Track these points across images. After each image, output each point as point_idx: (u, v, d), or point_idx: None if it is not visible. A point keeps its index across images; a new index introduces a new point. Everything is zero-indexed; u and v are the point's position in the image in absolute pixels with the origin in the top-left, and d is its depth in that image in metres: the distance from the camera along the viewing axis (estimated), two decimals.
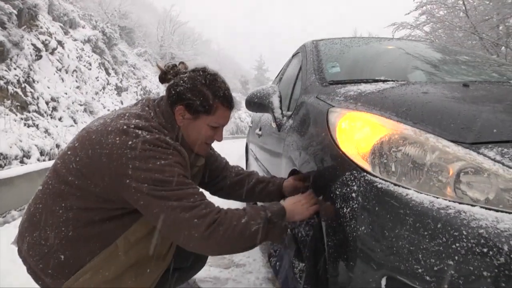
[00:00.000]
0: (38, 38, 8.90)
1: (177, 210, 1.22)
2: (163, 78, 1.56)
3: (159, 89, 19.00)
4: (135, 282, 1.40)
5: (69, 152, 1.38)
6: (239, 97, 40.63)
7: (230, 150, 5.87)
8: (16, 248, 1.45)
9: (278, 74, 4.18)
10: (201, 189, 1.36)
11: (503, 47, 9.97)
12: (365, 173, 1.10)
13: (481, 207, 0.91)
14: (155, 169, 1.24)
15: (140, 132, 1.30)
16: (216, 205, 1.31)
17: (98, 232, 1.34)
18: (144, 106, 1.49)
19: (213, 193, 1.87)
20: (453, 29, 10.84)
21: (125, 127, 1.31)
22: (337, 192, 1.16)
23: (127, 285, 1.38)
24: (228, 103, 1.50)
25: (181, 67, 1.58)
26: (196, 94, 1.43)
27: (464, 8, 9.84)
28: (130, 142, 1.26)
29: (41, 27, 9.33)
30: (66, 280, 1.33)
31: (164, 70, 1.55)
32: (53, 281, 1.34)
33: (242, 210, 1.33)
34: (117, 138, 1.27)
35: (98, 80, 12.25)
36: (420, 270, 0.90)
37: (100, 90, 12.14)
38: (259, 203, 2.12)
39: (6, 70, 6.94)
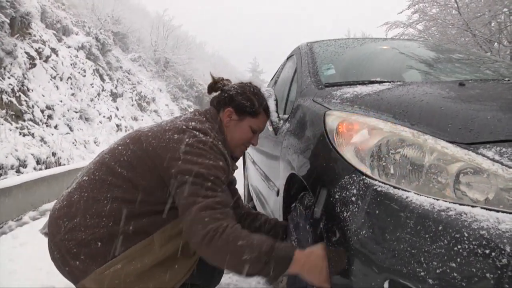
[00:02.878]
0: (32, 46, 8.85)
1: (197, 206, 1.29)
2: (212, 87, 1.76)
3: (154, 94, 18.97)
4: (164, 277, 1.44)
5: (120, 148, 1.50)
6: None
7: None
8: (40, 241, 1.56)
9: (273, 76, 4.18)
10: (230, 199, 1.46)
11: (495, 43, 10.02)
12: (364, 177, 1.10)
13: (482, 208, 0.91)
14: (203, 165, 1.36)
15: (197, 133, 1.46)
16: (234, 218, 1.36)
17: (138, 226, 1.41)
18: (194, 113, 1.65)
19: None
20: (446, 27, 10.89)
21: (184, 126, 1.48)
22: (337, 196, 1.15)
23: (156, 279, 1.43)
24: (267, 110, 1.77)
25: (226, 81, 1.79)
26: (246, 98, 1.66)
27: (456, 5, 9.90)
28: (187, 140, 1.41)
29: (34, 35, 9.28)
30: (97, 267, 1.37)
31: (216, 80, 1.76)
32: (83, 266, 1.38)
33: (251, 234, 1.30)
34: (175, 135, 1.44)
35: (93, 87, 12.20)
36: (422, 273, 0.90)
37: (95, 97, 12.09)
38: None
39: (0, 80, 6.90)
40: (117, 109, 13.50)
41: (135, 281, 1.39)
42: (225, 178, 1.44)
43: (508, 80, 1.80)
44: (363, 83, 1.83)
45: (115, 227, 1.39)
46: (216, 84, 1.75)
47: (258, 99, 1.70)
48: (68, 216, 1.43)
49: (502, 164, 0.96)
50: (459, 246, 0.86)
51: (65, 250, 1.40)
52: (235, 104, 1.66)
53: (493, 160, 0.98)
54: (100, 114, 11.58)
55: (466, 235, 0.86)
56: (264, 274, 1.27)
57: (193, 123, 1.51)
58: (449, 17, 10.93)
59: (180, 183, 1.34)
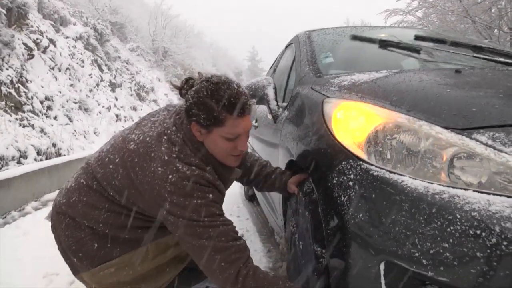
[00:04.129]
0: (29, 37, 8.82)
1: (207, 249, 1.28)
2: (182, 94, 1.49)
3: (153, 84, 18.93)
4: (155, 279, 1.50)
5: (110, 166, 1.43)
6: None
7: None
8: (50, 224, 1.55)
9: (272, 65, 4.19)
10: (232, 224, 1.39)
11: (495, 30, 9.98)
12: (361, 162, 1.13)
13: (474, 190, 0.94)
14: (191, 208, 1.29)
15: (180, 166, 1.33)
16: (247, 249, 1.35)
17: (133, 235, 1.45)
18: (172, 128, 1.44)
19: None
20: (445, 14, 10.85)
21: (166, 157, 1.34)
22: (334, 181, 1.18)
23: (147, 281, 1.48)
24: (235, 110, 1.35)
25: (198, 76, 1.49)
26: (201, 107, 1.35)
27: None
28: (170, 176, 1.30)
29: (32, 26, 9.23)
30: (92, 267, 1.43)
31: (179, 86, 1.49)
32: (80, 264, 1.44)
33: (273, 277, 1.33)
34: (159, 168, 1.32)
35: (91, 77, 12.17)
36: (416, 254, 0.93)
37: (94, 87, 12.06)
38: None
39: None
40: (116, 99, 13.48)
41: (127, 282, 1.45)
42: (220, 207, 1.39)
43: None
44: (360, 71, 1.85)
45: (112, 233, 1.44)
46: (181, 91, 1.48)
47: (217, 101, 1.34)
48: (68, 214, 1.48)
49: (494, 148, 0.99)
50: (451, 228, 0.89)
51: (66, 245, 1.47)
52: (195, 117, 1.38)
53: (486, 144, 1.00)
54: (99, 105, 11.57)
55: (459, 216, 0.89)
56: None
57: (176, 149, 1.37)
58: (448, 4, 10.88)
59: (174, 225, 1.32)
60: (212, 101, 1.34)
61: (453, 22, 10.89)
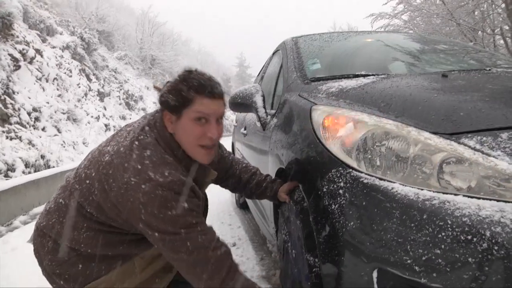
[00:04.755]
0: (15, 48, 8.73)
1: (187, 262, 1.26)
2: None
3: (142, 93, 18.85)
4: None
5: (87, 181, 1.39)
6: None
7: None
8: (32, 247, 1.51)
9: (260, 72, 4.20)
10: (212, 231, 1.35)
11: (479, 32, 10.14)
12: (350, 169, 1.13)
13: (464, 195, 0.94)
14: (167, 220, 1.25)
15: (153, 175, 1.27)
16: (228, 257, 1.33)
17: (117, 252, 1.42)
18: (147, 128, 1.44)
19: (222, 186, 1.93)
20: (430, 17, 10.99)
21: (139, 166, 1.29)
22: (325, 190, 1.18)
23: None
24: (204, 89, 1.37)
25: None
26: (173, 92, 1.38)
27: None
28: (143, 186, 1.25)
29: (17, 36, 9.15)
30: (80, 287, 1.40)
31: (159, 88, 1.50)
32: (67, 285, 1.41)
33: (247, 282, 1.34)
34: (132, 179, 1.26)
35: (79, 87, 12.08)
36: (409, 261, 0.93)
37: (82, 97, 11.98)
38: None
39: None
40: (105, 108, 13.40)
41: None
42: (196, 215, 1.32)
43: (489, 70, 1.84)
44: (348, 76, 1.85)
45: (95, 252, 1.40)
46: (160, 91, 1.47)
47: (187, 83, 1.37)
48: (49, 237, 1.44)
49: (482, 152, 0.99)
50: (443, 234, 0.89)
51: (50, 270, 1.44)
52: (166, 104, 1.39)
53: (474, 149, 1.01)
54: (88, 115, 11.48)
55: (450, 222, 0.89)
56: None
57: (147, 153, 1.33)
58: (433, 7, 11.05)
59: (152, 238, 1.29)
60: (182, 84, 1.37)
61: (438, 25, 11.03)
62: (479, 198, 0.92)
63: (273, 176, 1.84)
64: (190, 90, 1.36)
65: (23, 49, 9.03)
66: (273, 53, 3.20)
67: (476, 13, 10.18)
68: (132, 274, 1.44)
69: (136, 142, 1.36)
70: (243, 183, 1.85)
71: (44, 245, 1.45)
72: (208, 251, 1.27)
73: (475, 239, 0.84)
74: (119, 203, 1.29)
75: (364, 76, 1.81)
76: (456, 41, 3.25)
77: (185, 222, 1.26)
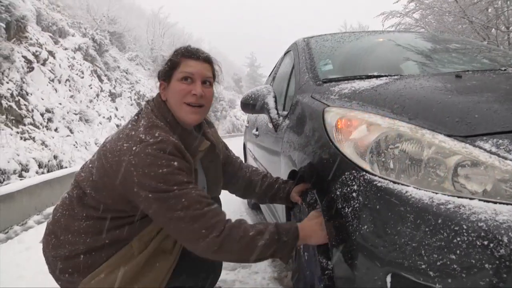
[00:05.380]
0: (29, 50, 8.85)
1: (185, 220, 1.27)
2: None
3: (153, 93, 18.93)
4: (148, 277, 1.47)
5: (90, 165, 1.49)
6: (233, 95, 40.54)
7: None
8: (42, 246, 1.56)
9: (271, 72, 4.19)
10: (204, 192, 1.38)
11: (493, 29, 9.99)
12: (364, 172, 1.12)
13: (480, 200, 0.93)
14: (159, 178, 1.28)
15: (143, 136, 1.35)
16: (223, 212, 1.35)
17: (115, 237, 1.44)
18: (146, 107, 1.55)
19: (231, 192, 1.95)
20: (442, 15, 10.85)
21: (132, 132, 1.38)
22: (338, 192, 1.17)
23: (141, 281, 1.45)
24: (189, 52, 1.54)
25: None
26: (165, 62, 1.57)
27: None
28: (134, 148, 1.32)
29: (31, 39, 9.28)
30: (83, 278, 1.42)
31: None
32: (71, 278, 1.44)
33: (251, 224, 1.35)
34: (125, 144, 1.35)
35: (91, 88, 12.21)
36: (423, 266, 0.92)
37: (94, 98, 12.10)
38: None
39: None
40: (116, 109, 13.51)
41: (121, 286, 1.42)
42: (187, 174, 1.37)
43: (505, 70, 1.81)
44: (360, 77, 1.84)
45: (94, 241, 1.43)
46: None
47: (176, 51, 1.57)
48: (54, 233, 1.50)
49: (498, 156, 0.97)
50: (458, 239, 0.87)
51: (54, 266, 1.48)
52: (159, 74, 1.58)
53: (490, 152, 0.99)
54: (99, 115, 11.59)
55: (465, 227, 0.87)
56: (280, 252, 1.32)
57: (142, 122, 1.43)
58: (445, 5, 10.90)
59: (146, 202, 1.30)
60: (173, 53, 1.57)
61: (450, 23, 10.89)
62: (495, 203, 0.91)
63: (286, 178, 1.84)
64: (177, 55, 1.54)
65: (36, 51, 9.16)
66: (285, 54, 3.20)
67: (489, 10, 10.01)
68: (131, 258, 1.44)
69: (134, 117, 1.51)
70: (254, 185, 1.85)
71: (49, 242, 1.49)
72: (204, 206, 1.29)
73: (491, 245, 0.83)
74: (114, 173, 1.34)
75: (376, 77, 1.79)
76: (468, 40, 3.21)
77: (177, 179, 1.30)
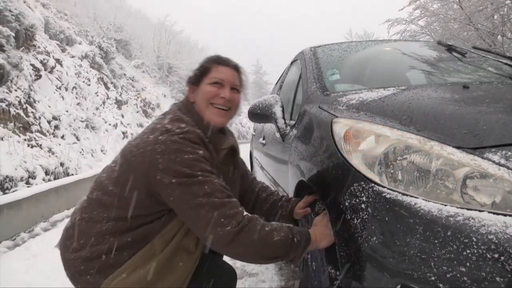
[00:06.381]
0: (37, 58, 8.94)
1: (205, 207, 1.27)
2: None
3: (159, 100, 19.05)
4: (171, 277, 1.45)
5: (113, 165, 1.51)
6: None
7: None
8: (59, 252, 1.55)
9: (278, 81, 4.21)
10: (225, 185, 1.39)
11: (499, 36, 9.97)
12: (372, 184, 1.12)
13: (489, 212, 0.93)
14: (184, 163, 1.31)
15: (170, 126, 1.40)
16: (241, 207, 1.36)
17: (136, 237, 1.43)
18: (172, 106, 1.64)
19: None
20: (448, 22, 10.85)
21: (158, 125, 1.43)
22: (347, 204, 1.18)
23: (163, 281, 1.43)
24: (221, 59, 1.63)
25: None
26: (196, 68, 1.65)
27: (457, 0, 9.85)
28: (160, 137, 1.35)
29: (39, 47, 9.38)
30: (105, 279, 1.41)
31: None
32: (93, 280, 1.43)
33: (266, 222, 1.36)
34: (150, 136, 1.38)
35: (97, 95, 12.29)
36: (433, 278, 0.92)
37: (101, 105, 12.18)
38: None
39: (7, 92, 6.97)
40: (123, 116, 13.58)
41: (143, 286, 1.41)
42: (211, 167, 1.39)
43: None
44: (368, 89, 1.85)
45: (116, 241, 1.43)
46: None
47: (208, 58, 1.66)
48: (73, 237, 1.49)
49: (508, 168, 0.98)
50: (468, 251, 0.88)
51: (74, 269, 1.46)
52: (190, 79, 1.65)
53: (499, 164, 1.00)
54: (106, 122, 11.65)
55: (475, 240, 0.88)
56: (294, 252, 1.32)
57: (168, 116, 1.49)
58: (450, 12, 10.89)
59: (170, 188, 1.31)
60: (204, 61, 1.65)
61: (456, 30, 10.88)
62: (505, 215, 0.91)
63: (293, 188, 1.84)
64: (209, 62, 1.63)
65: (44, 59, 9.25)
66: (291, 63, 3.21)
67: (495, 17, 9.99)
68: (153, 256, 1.43)
69: (160, 116, 1.56)
70: (260, 202, 1.87)
71: (68, 247, 1.48)
72: (225, 196, 1.32)
73: (502, 258, 0.83)
74: (137, 163, 1.37)
75: (384, 87, 1.80)
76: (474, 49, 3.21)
77: (201, 166, 1.33)
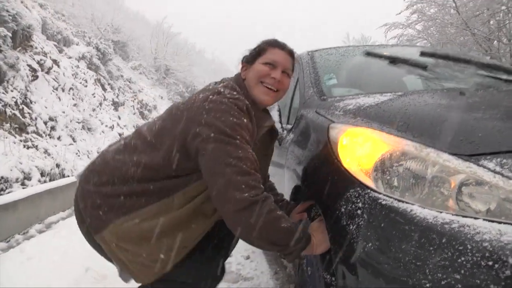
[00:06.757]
0: (33, 59, 8.92)
1: (233, 169, 1.28)
2: None
3: (156, 102, 19.03)
4: (179, 235, 1.43)
5: (155, 119, 1.57)
6: None
7: None
8: (77, 181, 1.61)
9: None
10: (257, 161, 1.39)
11: (495, 42, 10.03)
12: (368, 190, 1.13)
13: (484, 219, 0.93)
14: (226, 123, 1.33)
15: (222, 90, 1.44)
16: (263, 186, 1.35)
17: (159, 188, 1.43)
18: (228, 77, 1.70)
19: None
20: (444, 26, 10.91)
21: (210, 86, 1.52)
22: (342, 210, 1.18)
23: (170, 237, 1.42)
24: (277, 43, 1.67)
25: None
26: (253, 48, 1.68)
27: (454, 5, 9.92)
28: (211, 97, 1.40)
29: (36, 47, 9.35)
30: (117, 219, 1.41)
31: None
32: (105, 217, 1.43)
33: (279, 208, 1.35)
34: (201, 95, 1.44)
35: (94, 97, 12.26)
36: (428, 285, 0.92)
37: (97, 106, 12.16)
38: None
39: (3, 93, 6.95)
40: (119, 118, 13.56)
41: (150, 237, 1.40)
42: (249, 138, 1.41)
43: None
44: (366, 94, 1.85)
45: (138, 186, 1.43)
46: None
47: (265, 40, 1.70)
48: (99, 172, 1.52)
49: (502, 175, 0.98)
50: (462, 258, 0.88)
51: (90, 201, 1.47)
52: (245, 58, 1.69)
53: (494, 171, 1.00)
54: (102, 124, 11.63)
55: (469, 247, 0.88)
56: (294, 246, 1.30)
57: (221, 84, 1.55)
58: (447, 17, 10.96)
59: (206, 142, 1.32)
60: (262, 42, 1.69)
61: (452, 34, 10.94)
62: (500, 223, 0.91)
63: (289, 193, 1.84)
64: (265, 44, 1.66)
65: (41, 60, 9.22)
66: None
67: (491, 22, 10.07)
68: (170, 210, 1.42)
69: (212, 83, 1.63)
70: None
71: (90, 179, 1.51)
72: (253, 168, 1.32)
73: (496, 266, 0.83)
74: (180, 117, 1.41)
75: (380, 93, 1.80)
76: (471, 54, 3.23)
77: (242, 133, 1.35)
